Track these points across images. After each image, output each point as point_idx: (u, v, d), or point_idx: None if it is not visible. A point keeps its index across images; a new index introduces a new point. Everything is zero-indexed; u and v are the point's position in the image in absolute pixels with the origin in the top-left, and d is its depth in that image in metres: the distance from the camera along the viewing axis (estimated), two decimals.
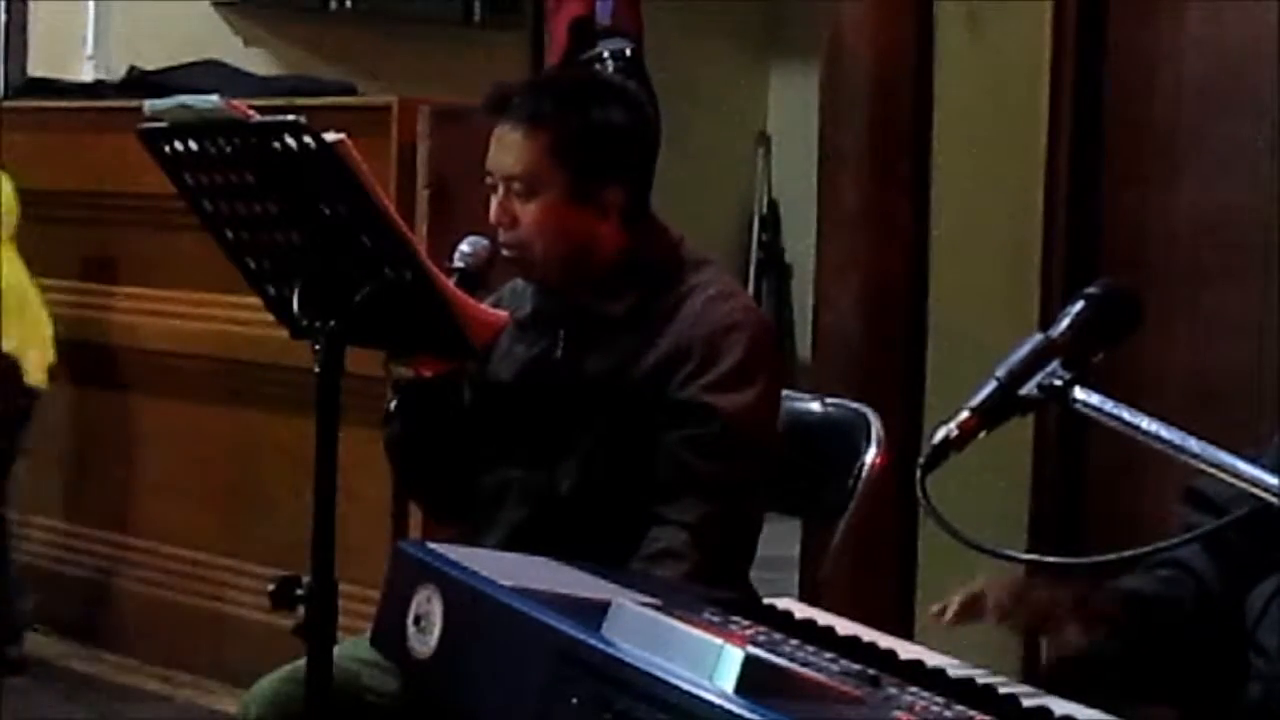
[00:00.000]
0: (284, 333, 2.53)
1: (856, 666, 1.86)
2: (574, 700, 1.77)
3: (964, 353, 4.12)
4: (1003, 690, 1.85)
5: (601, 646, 1.78)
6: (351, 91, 5.17)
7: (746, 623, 2.01)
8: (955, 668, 1.94)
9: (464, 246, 2.80)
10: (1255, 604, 2.09)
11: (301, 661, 2.41)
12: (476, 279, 2.78)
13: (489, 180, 2.74)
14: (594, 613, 1.84)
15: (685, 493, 2.64)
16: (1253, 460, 1.84)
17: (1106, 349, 1.95)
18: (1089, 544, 3.90)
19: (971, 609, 2.07)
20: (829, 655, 1.90)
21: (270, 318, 2.58)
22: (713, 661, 1.67)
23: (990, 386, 1.92)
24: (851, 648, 1.97)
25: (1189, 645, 2.16)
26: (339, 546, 2.39)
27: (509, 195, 2.72)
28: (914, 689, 1.80)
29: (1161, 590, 2.19)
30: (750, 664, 1.66)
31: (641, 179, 2.78)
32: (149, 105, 2.48)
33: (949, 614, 2.06)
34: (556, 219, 2.70)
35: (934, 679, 1.86)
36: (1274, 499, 1.79)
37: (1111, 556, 1.91)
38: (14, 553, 4.93)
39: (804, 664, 1.84)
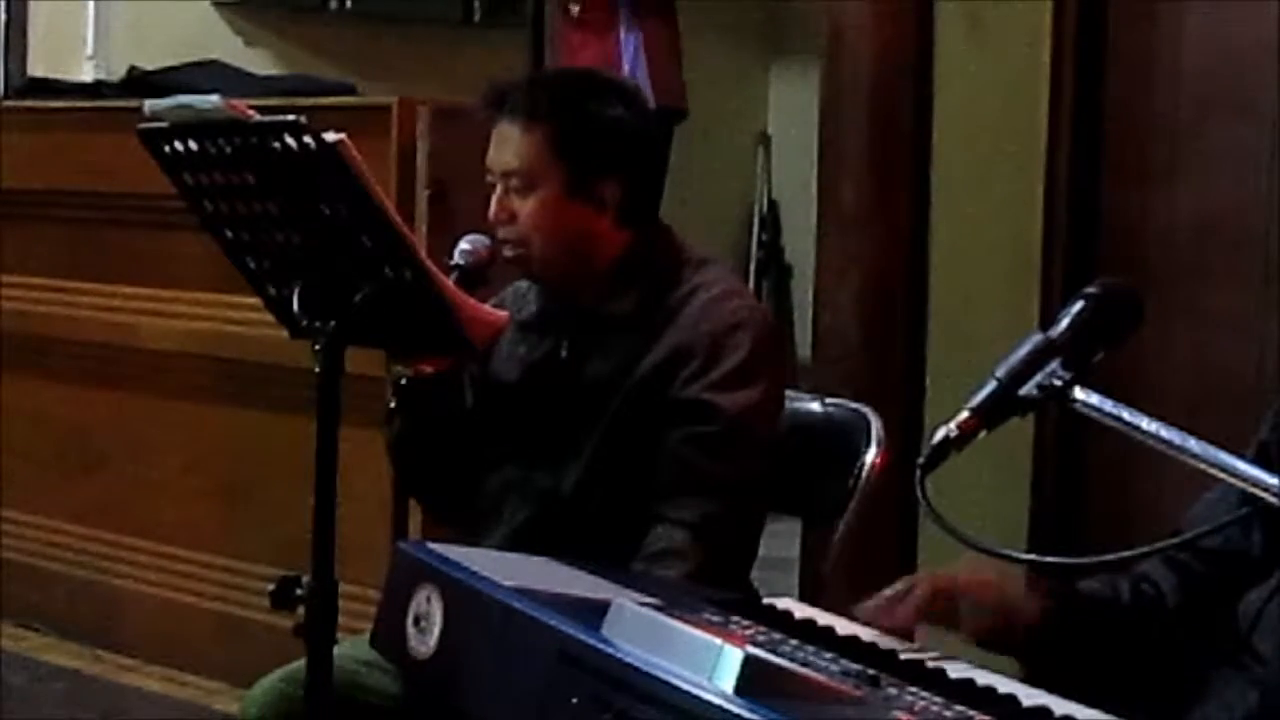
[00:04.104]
0: (284, 333, 2.53)
1: (856, 666, 1.86)
2: (574, 700, 1.77)
3: (964, 353, 4.12)
4: (1002, 690, 1.85)
5: (601, 646, 1.78)
6: (351, 91, 5.17)
7: (746, 623, 2.01)
8: (955, 668, 1.94)
9: (464, 244, 2.81)
10: (1248, 610, 2.09)
11: (301, 661, 2.41)
12: (477, 276, 2.78)
13: (489, 177, 2.75)
14: (594, 613, 1.84)
15: (687, 492, 2.64)
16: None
17: (1106, 349, 1.95)
18: (1089, 544, 3.90)
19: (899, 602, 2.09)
20: (829, 655, 1.90)
21: (270, 318, 2.58)
22: (713, 661, 1.67)
23: (990, 386, 1.92)
24: (851, 648, 1.97)
25: (1117, 636, 2.17)
26: (339, 546, 2.39)
27: (507, 191, 2.73)
28: (914, 689, 1.80)
29: (1098, 590, 2.20)
30: (750, 664, 1.66)
31: (640, 175, 2.78)
32: (149, 105, 2.48)
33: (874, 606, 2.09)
34: (554, 214, 2.71)
35: (934, 679, 1.87)
36: (1273, 499, 1.79)
37: (1111, 557, 1.92)
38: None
39: (804, 664, 1.84)
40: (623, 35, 5.80)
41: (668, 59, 5.99)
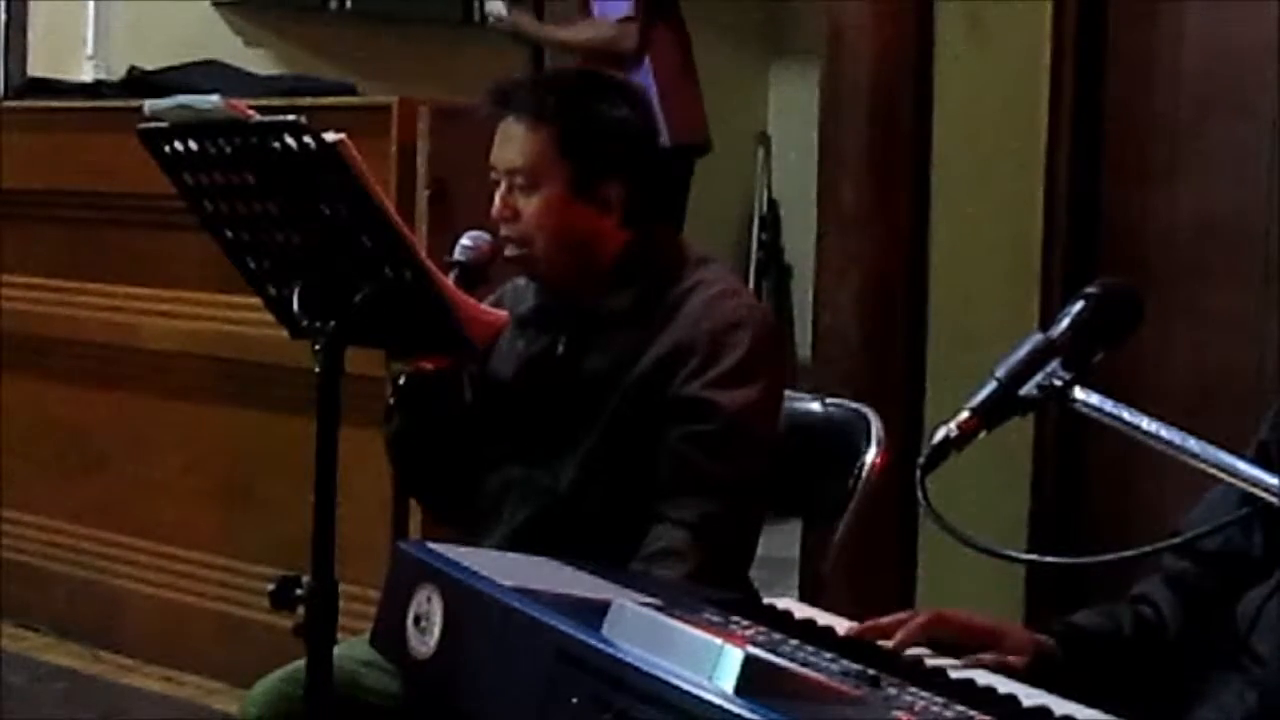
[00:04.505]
0: (284, 333, 2.53)
1: (856, 666, 1.86)
2: (574, 700, 1.77)
3: (964, 353, 4.12)
4: (1002, 690, 1.85)
5: (601, 646, 1.78)
6: (351, 91, 5.16)
7: (746, 623, 2.01)
8: (955, 668, 1.94)
9: (465, 240, 2.81)
10: (1247, 610, 2.08)
11: (301, 661, 2.41)
12: (478, 273, 2.78)
13: (492, 175, 2.75)
14: (594, 613, 1.84)
15: (686, 491, 2.64)
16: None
17: (1106, 349, 1.95)
18: (1089, 544, 3.90)
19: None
20: (829, 655, 1.90)
21: (270, 318, 2.58)
22: (713, 661, 1.67)
23: (990, 386, 1.91)
24: (851, 648, 1.97)
25: (1124, 672, 2.15)
26: (339, 546, 2.39)
27: (511, 189, 2.73)
28: (914, 689, 1.80)
29: (1099, 624, 2.18)
30: (750, 664, 1.66)
31: (645, 177, 2.78)
32: (149, 105, 2.48)
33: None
34: (558, 213, 2.71)
35: (934, 679, 1.87)
36: (1274, 499, 1.79)
37: (1111, 556, 1.91)
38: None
39: (804, 664, 1.84)
40: (630, 74, 5.74)
41: (681, 88, 5.78)
